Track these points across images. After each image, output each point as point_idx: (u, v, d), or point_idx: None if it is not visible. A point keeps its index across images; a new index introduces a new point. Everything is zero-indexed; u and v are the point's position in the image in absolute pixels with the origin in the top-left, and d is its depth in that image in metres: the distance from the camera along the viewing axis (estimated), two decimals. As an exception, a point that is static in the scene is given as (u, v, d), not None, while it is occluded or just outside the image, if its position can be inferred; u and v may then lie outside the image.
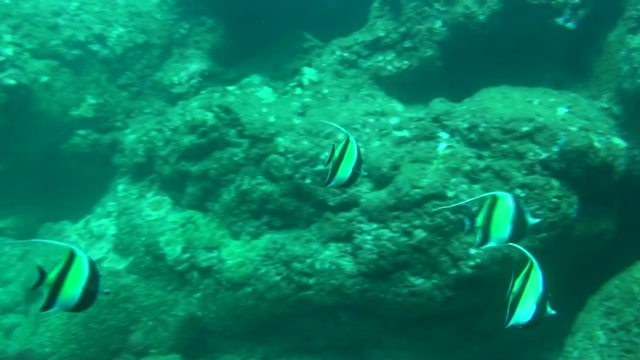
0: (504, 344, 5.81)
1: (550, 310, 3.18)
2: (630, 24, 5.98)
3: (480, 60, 6.59)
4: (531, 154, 5.26)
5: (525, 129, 5.32)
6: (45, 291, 2.88)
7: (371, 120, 6.30)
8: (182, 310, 6.13)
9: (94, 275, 2.93)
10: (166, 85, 7.68)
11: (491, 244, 3.45)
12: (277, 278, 5.84)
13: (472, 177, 5.36)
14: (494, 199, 3.43)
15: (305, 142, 6.07)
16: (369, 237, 5.56)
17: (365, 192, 5.76)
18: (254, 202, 6.19)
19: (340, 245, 5.75)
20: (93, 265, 2.95)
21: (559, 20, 6.20)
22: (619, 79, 5.93)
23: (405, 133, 5.96)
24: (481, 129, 5.46)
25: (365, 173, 4.10)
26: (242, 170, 6.30)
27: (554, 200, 5.17)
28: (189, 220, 6.48)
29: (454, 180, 5.38)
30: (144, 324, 6.02)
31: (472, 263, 5.25)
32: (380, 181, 5.74)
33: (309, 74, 7.09)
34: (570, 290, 5.60)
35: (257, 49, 7.86)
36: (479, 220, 3.43)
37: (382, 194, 5.64)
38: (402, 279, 5.44)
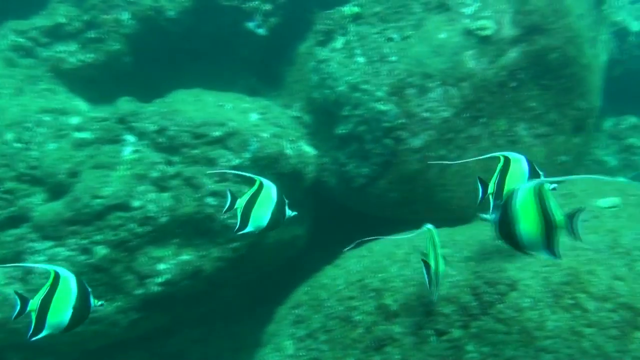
0: (197, 362, 5.48)
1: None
2: (319, 36, 6.13)
3: (174, 61, 6.22)
4: (223, 160, 5.00)
5: (217, 133, 5.05)
6: (32, 317, 2.86)
7: (48, 118, 5.42)
8: None
9: (84, 293, 2.94)
10: None
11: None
12: None
13: (161, 184, 4.90)
14: (507, 161, 3.04)
15: (-42, 143, 4.96)
16: (41, 258, 4.72)
17: (38, 203, 4.91)
18: None
19: (8, 271, 4.78)
20: (82, 283, 2.95)
21: (250, 25, 6.11)
22: (309, 89, 6.04)
23: (87, 135, 5.25)
24: (171, 133, 5.04)
25: (294, 213, 3.55)
26: None
27: (247, 208, 4.98)
28: None
29: (140, 188, 4.86)
30: None
31: (160, 280, 4.77)
32: (56, 190, 4.95)
33: (-31, 60, 5.90)
34: (261, 299, 5.51)
35: None
36: (491, 187, 3.05)
37: (58, 205, 4.86)
38: (81, 304, 4.72)
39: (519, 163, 3.09)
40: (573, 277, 3.21)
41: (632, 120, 7.54)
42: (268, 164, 5.18)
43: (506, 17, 5.39)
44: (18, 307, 2.84)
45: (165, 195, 4.87)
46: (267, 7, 6.11)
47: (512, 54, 5.37)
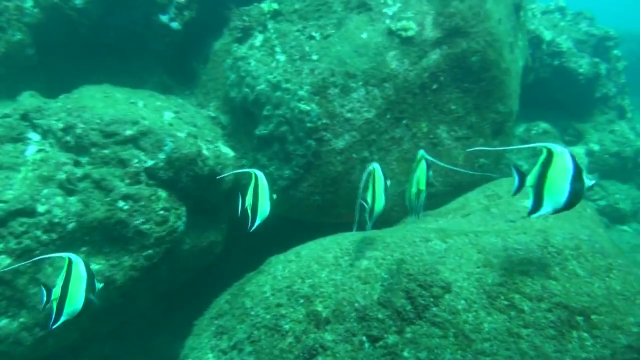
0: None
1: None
2: (236, 33, 5.92)
3: (83, 54, 5.81)
4: (136, 161, 4.67)
5: (129, 132, 4.71)
6: (53, 305, 3.00)
7: (-61, 115, 4.89)
8: None
9: (90, 276, 3.06)
10: None
11: (545, 211, 2.86)
12: None
13: (68, 187, 4.50)
14: (549, 154, 2.85)
15: None
16: None
17: None
18: None
19: None
20: (88, 266, 3.07)
21: (164, 19, 5.79)
22: (226, 88, 5.80)
23: (-14, 132, 4.77)
24: (78, 131, 4.65)
25: (274, 195, 3.68)
26: None
27: (161, 212, 4.67)
28: None
29: (46, 191, 4.44)
30: None
31: (67, 291, 4.36)
32: (-50, 194, 4.43)
33: None
34: (179, 310, 5.21)
35: None
36: (531, 179, 2.86)
37: (-47, 210, 4.35)
38: (-20, 322, 4.23)
39: (563, 156, 2.92)
40: (507, 277, 3.18)
41: (543, 126, 7.82)
42: (184, 165, 4.89)
43: (428, 19, 5.38)
44: (44, 298, 3.04)
45: (73, 199, 4.48)
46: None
47: (434, 56, 5.37)
